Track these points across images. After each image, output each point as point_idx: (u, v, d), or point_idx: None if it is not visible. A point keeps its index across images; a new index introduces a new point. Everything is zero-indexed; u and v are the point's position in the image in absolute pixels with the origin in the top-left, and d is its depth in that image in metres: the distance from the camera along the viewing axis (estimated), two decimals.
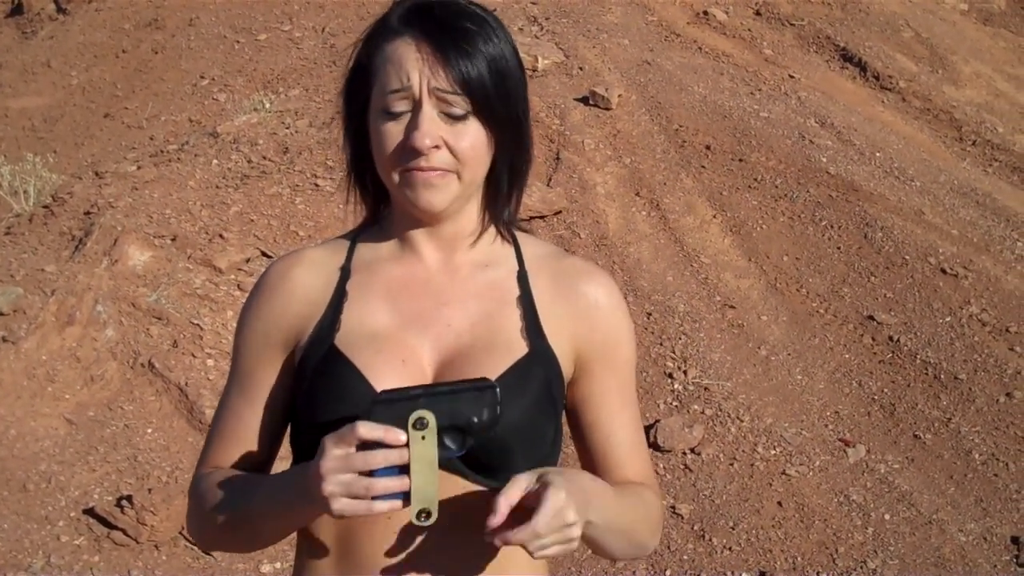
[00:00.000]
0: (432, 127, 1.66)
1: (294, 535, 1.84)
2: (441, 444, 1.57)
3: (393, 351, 1.73)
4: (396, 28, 1.70)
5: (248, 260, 6.69)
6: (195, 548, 4.89)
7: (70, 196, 7.23)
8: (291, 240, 7.01)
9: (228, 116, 9.17)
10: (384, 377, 1.69)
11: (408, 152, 1.67)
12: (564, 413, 1.87)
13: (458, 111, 1.67)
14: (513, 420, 1.66)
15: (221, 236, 6.84)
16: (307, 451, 1.72)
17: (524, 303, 1.81)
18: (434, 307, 1.79)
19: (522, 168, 1.82)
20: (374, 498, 1.54)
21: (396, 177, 1.71)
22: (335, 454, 1.54)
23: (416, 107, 1.67)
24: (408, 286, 1.81)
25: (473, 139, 1.69)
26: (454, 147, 1.68)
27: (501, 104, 1.70)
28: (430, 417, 1.55)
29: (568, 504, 1.55)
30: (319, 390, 1.72)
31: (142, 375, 5.77)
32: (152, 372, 5.77)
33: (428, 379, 1.73)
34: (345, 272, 1.83)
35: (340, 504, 1.54)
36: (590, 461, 1.89)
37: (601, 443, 1.87)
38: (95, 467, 5.27)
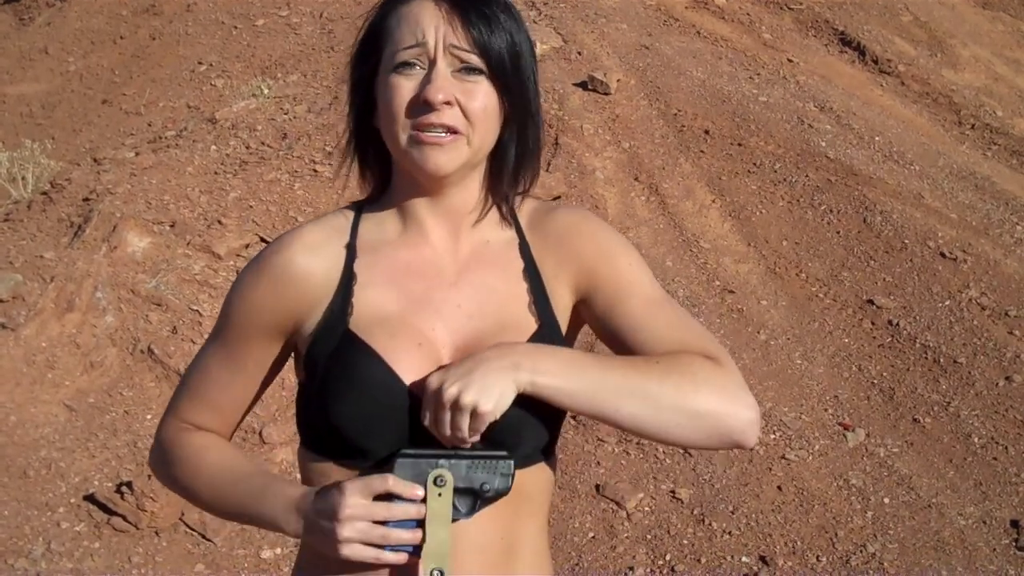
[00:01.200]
0: (446, 83, 1.65)
1: None
2: (452, 505, 1.63)
3: (408, 335, 1.72)
4: None
5: (247, 246, 6.68)
6: (195, 534, 4.89)
7: (68, 183, 7.23)
8: (290, 225, 7.00)
9: (226, 102, 9.17)
10: (401, 362, 1.68)
11: (420, 107, 1.66)
12: (604, 341, 1.83)
13: (473, 69, 1.67)
14: (523, 400, 1.65)
15: (220, 222, 6.83)
16: (323, 440, 1.73)
17: (529, 275, 1.80)
18: (443, 289, 1.77)
19: (529, 145, 1.79)
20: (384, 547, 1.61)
21: (404, 137, 1.69)
22: (358, 502, 1.60)
23: (431, 63, 1.66)
24: (415, 268, 1.79)
25: (485, 100, 1.69)
26: (466, 106, 1.67)
27: (514, 72, 1.70)
28: (449, 477, 1.62)
29: (441, 375, 1.60)
30: (339, 377, 1.70)
31: (141, 361, 5.78)
32: (151, 358, 5.77)
33: (444, 362, 1.71)
34: (351, 253, 1.79)
35: (352, 550, 1.61)
36: None
37: (638, 345, 1.74)
38: (95, 453, 5.28)
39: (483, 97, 1.68)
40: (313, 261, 1.78)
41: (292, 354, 1.86)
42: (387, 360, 1.68)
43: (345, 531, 1.59)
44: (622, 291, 1.78)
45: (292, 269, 1.77)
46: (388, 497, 1.61)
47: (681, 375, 1.66)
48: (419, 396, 1.65)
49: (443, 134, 1.67)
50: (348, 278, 1.77)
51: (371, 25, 1.75)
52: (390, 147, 1.74)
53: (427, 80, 1.66)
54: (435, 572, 1.61)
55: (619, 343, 1.78)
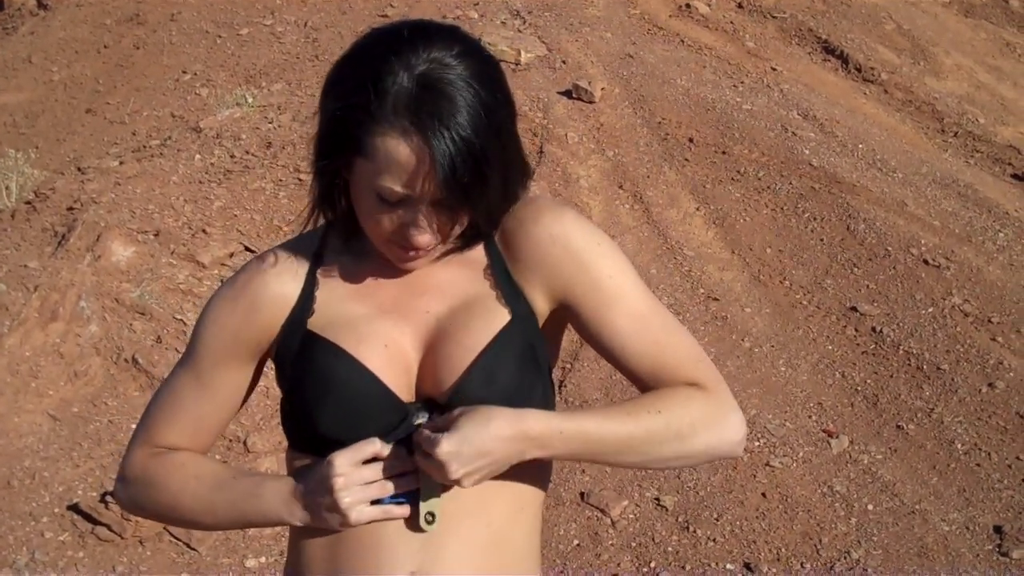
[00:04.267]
0: (429, 230, 1.67)
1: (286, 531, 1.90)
2: None
3: (374, 337, 1.74)
4: (397, 124, 1.59)
5: (231, 255, 6.68)
6: (180, 543, 4.89)
7: (52, 192, 7.22)
8: (274, 234, 7.01)
9: (210, 111, 9.16)
10: (368, 360, 1.71)
11: (403, 238, 1.68)
12: (594, 349, 1.85)
13: (453, 211, 1.65)
14: (504, 389, 1.70)
15: (204, 231, 6.83)
16: (305, 438, 1.77)
17: (496, 270, 1.80)
18: (410, 298, 1.80)
19: (508, 207, 1.78)
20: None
21: (381, 244, 1.73)
22: (346, 468, 1.68)
23: (415, 206, 1.64)
24: (381, 280, 1.82)
25: (462, 224, 1.71)
26: (443, 233, 1.69)
27: (499, 192, 1.68)
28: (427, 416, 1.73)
29: (451, 445, 1.61)
30: (306, 374, 1.74)
31: (126, 370, 5.77)
32: (136, 367, 5.76)
33: (413, 362, 1.75)
34: (315, 264, 1.83)
35: (359, 513, 1.68)
36: (635, 382, 1.84)
37: (625, 363, 1.80)
38: (79, 463, 5.27)
39: (460, 222, 1.70)
40: (284, 284, 1.82)
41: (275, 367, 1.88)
42: (353, 355, 1.72)
43: (345, 498, 1.66)
44: (604, 308, 1.79)
45: (265, 293, 1.82)
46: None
47: (680, 421, 1.73)
48: (388, 386, 1.72)
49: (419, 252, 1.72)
50: (311, 284, 1.81)
51: (346, 124, 1.66)
52: (367, 235, 1.76)
53: (413, 222, 1.66)
54: (428, 516, 1.69)
55: (606, 357, 1.82)
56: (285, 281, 1.81)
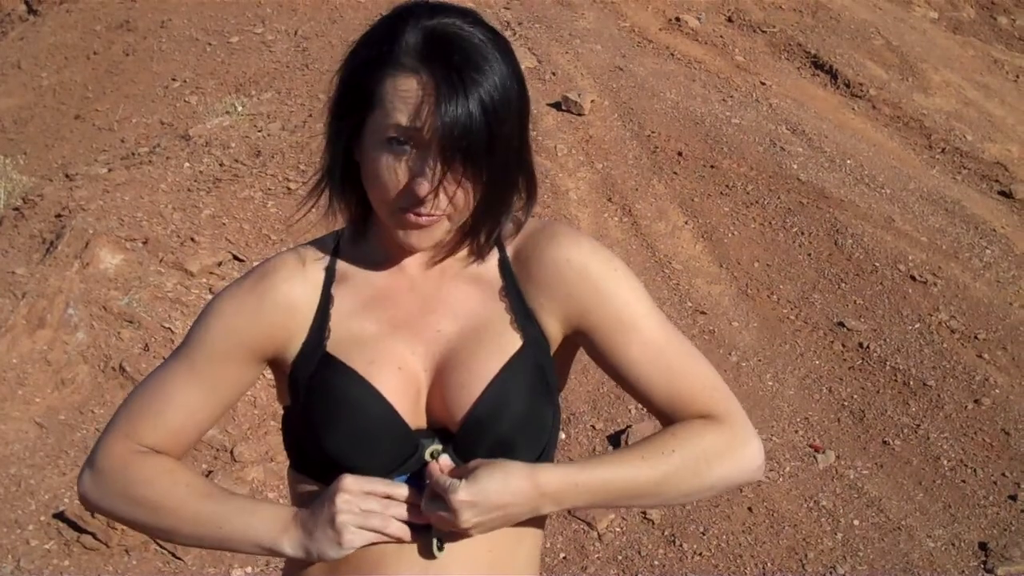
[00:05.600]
0: (436, 179, 1.62)
1: None
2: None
3: (387, 358, 1.73)
4: (407, 63, 1.60)
5: (220, 264, 6.67)
6: (165, 552, 4.87)
7: (40, 198, 7.20)
8: (263, 243, 7.00)
9: (200, 119, 9.15)
10: (382, 384, 1.70)
11: (409, 195, 1.64)
12: (607, 375, 1.85)
13: (460, 163, 1.62)
14: (514, 415, 1.70)
15: (193, 239, 6.82)
16: (313, 463, 1.75)
17: (510, 293, 1.79)
18: (421, 315, 1.79)
19: (508, 200, 1.76)
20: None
21: (388, 213, 1.69)
22: (355, 490, 1.68)
23: (423, 150, 1.61)
24: (392, 294, 1.80)
25: (467, 193, 1.67)
26: (452, 194, 1.65)
27: (501, 154, 1.65)
28: (440, 447, 1.72)
29: (469, 494, 1.61)
30: (322, 399, 1.73)
31: (113, 379, 5.75)
32: (123, 376, 5.75)
33: (424, 386, 1.74)
34: (330, 276, 1.81)
35: (351, 535, 1.66)
36: (649, 409, 1.85)
37: (640, 391, 1.80)
38: (65, 471, 5.25)
39: (470, 188, 1.67)
40: (296, 288, 1.80)
41: (275, 378, 1.87)
42: (369, 381, 1.70)
43: (344, 515, 1.65)
44: (620, 335, 1.78)
45: (276, 295, 1.79)
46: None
47: (696, 458, 1.74)
48: (401, 415, 1.71)
49: (426, 218, 1.67)
50: (326, 302, 1.79)
51: (358, 81, 1.67)
52: (375, 209, 1.74)
53: (419, 171, 1.62)
54: (435, 540, 1.70)
55: (621, 384, 1.83)
56: (297, 290, 1.80)
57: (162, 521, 1.78)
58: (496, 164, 1.65)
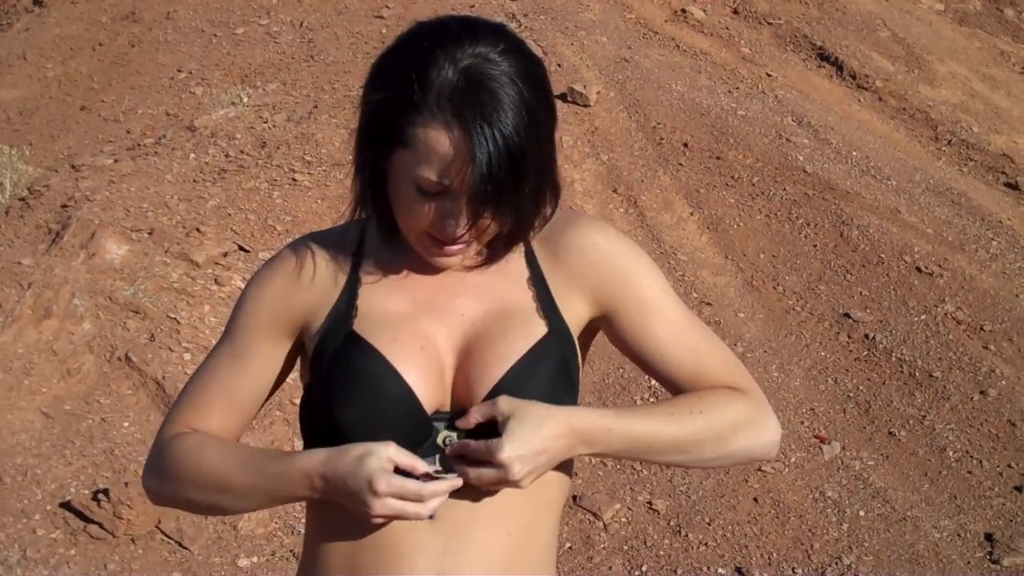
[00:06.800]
0: (467, 226, 1.67)
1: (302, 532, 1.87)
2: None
3: (411, 338, 1.75)
4: (440, 116, 1.60)
5: (225, 254, 6.67)
6: (172, 542, 4.88)
7: (46, 189, 7.20)
8: (269, 234, 7.00)
9: (205, 110, 9.14)
10: (404, 363, 1.72)
11: (437, 229, 1.69)
12: (629, 358, 1.89)
13: (488, 207, 1.65)
14: (534, 398, 1.70)
15: (198, 230, 6.82)
16: (328, 441, 1.73)
17: (536, 282, 1.82)
18: (447, 298, 1.81)
19: (536, 216, 1.77)
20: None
21: (414, 238, 1.74)
22: (401, 459, 1.66)
23: (453, 198, 1.64)
24: (419, 275, 1.83)
25: (495, 226, 1.72)
26: (476, 230, 1.70)
27: (530, 187, 1.67)
28: (454, 436, 1.72)
29: (513, 449, 1.63)
30: (343, 375, 1.74)
31: (119, 369, 5.76)
32: (129, 366, 5.75)
33: (447, 366, 1.76)
34: (358, 257, 1.85)
35: (381, 505, 1.64)
36: (672, 389, 1.88)
37: (665, 370, 1.85)
38: (71, 460, 5.26)
39: (495, 224, 1.71)
40: (324, 263, 1.84)
41: (299, 357, 1.90)
42: (390, 360, 1.72)
43: (382, 484, 1.62)
44: (645, 316, 1.83)
45: (305, 268, 1.84)
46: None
47: (722, 422, 1.79)
48: (419, 397, 1.71)
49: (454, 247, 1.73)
50: (354, 281, 1.82)
51: (388, 117, 1.66)
52: (402, 231, 1.77)
53: (448, 213, 1.66)
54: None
55: (644, 364, 1.87)
56: (326, 269, 1.84)
57: (207, 489, 1.80)
58: (524, 197, 1.67)
